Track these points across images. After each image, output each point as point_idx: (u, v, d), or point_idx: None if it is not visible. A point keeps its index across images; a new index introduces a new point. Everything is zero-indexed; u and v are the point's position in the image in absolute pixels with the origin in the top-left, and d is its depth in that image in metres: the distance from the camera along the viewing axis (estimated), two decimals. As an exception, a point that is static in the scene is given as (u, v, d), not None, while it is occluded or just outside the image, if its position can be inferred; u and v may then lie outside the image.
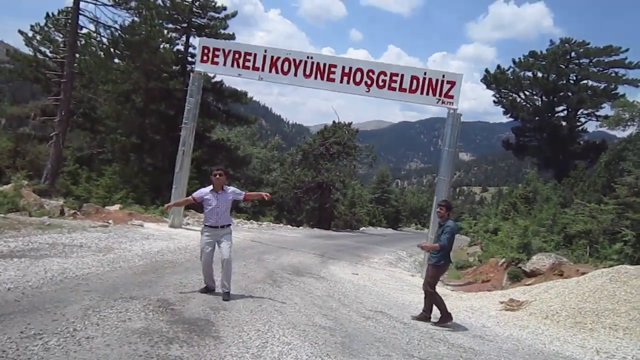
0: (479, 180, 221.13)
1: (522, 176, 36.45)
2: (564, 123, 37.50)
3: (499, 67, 38.59)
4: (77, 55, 24.26)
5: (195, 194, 7.22)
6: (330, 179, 36.05)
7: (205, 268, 6.98)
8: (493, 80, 38.40)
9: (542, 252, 14.47)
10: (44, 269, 6.76)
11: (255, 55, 15.38)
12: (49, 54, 27.31)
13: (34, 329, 4.43)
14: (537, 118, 37.91)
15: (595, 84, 36.89)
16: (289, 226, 29.92)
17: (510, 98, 38.67)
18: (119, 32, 23.67)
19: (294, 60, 15.21)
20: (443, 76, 14.76)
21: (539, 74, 37.18)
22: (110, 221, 14.32)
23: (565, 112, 37.72)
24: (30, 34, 26.70)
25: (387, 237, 37.77)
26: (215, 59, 15.62)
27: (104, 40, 24.10)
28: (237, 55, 15.51)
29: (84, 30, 23.77)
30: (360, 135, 41.15)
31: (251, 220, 26.83)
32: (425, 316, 7.64)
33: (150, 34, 23.45)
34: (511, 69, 38.17)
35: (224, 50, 15.68)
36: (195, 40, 28.54)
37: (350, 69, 15.07)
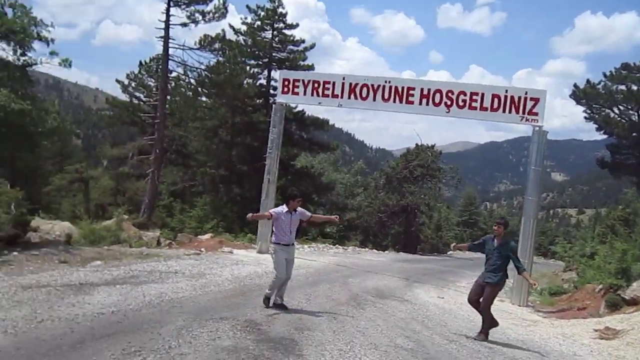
0: (574, 202, 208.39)
1: (621, 197, 33.98)
2: (663, 138, 34.77)
3: (588, 81, 36.55)
4: (168, 97, 26.10)
5: (272, 211, 7.77)
6: (414, 202, 35.66)
7: (283, 282, 7.53)
8: (583, 95, 36.40)
9: (644, 279, 13.36)
10: (142, 294, 7.26)
11: (333, 83, 15.73)
12: (143, 99, 29.54)
13: (134, 346, 4.80)
14: (634, 134, 35.36)
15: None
16: (374, 250, 29.79)
17: (603, 114, 36.34)
18: (205, 72, 25.20)
19: (372, 85, 15.38)
20: (526, 93, 14.29)
21: (634, 87, 34.82)
22: (202, 249, 15.05)
23: (665, 126, 34.98)
24: (126, 81, 29.10)
25: (475, 260, 36.42)
26: (296, 90, 16.14)
27: (192, 81, 25.77)
28: (316, 85, 15.95)
29: (174, 74, 25.56)
30: (445, 157, 40.53)
31: (337, 245, 27.02)
32: (484, 338, 7.55)
33: (233, 71, 24.77)
34: (602, 83, 36.09)
35: (303, 80, 16.19)
36: (276, 74, 29.61)
37: (429, 90, 14.98)
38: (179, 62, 24.84)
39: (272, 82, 30.23)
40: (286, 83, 16.19)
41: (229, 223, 23.26)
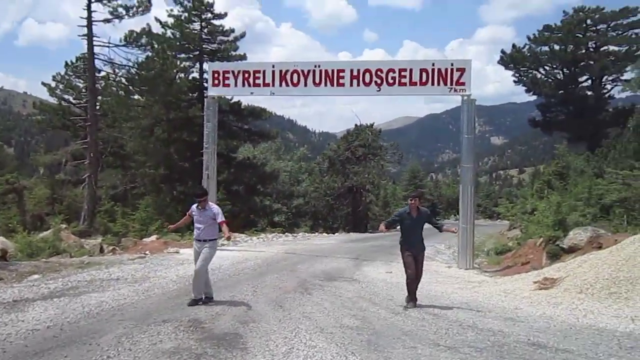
0: (514, 163, 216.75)
1: (554, 153, 35.60)
2: (589, 93, 36.55)
3: (514, 46, 37.96)
4: (100, 97, 25.19)
5: (189, 211, 7.88)
6: (359, 182, 36.12)
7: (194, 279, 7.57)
8: (510, 60, 37.75)
9: (579, 227, 14.15)
10: (81, 305, 7.08)
11: (264, 72, 15.68)
12: (73, 100, 28.33)
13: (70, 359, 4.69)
14: (560, 92, 36.99)
15: (616, 48, 35.78)
16: (324, 234, 30.07)
17: (531, 75, 37.91)
18: (135, 69, 24.45)
19: (302, 71, 15.44)
20: (452, 64, 14.79)
21: (556, 47, 36.36)
22: (147, 252, 14.77)
23: (590, 81, 36.76)
24: (53, 84, 27.84)
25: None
26: (227, 82, 15.99)
27: (122, 79, 24.95)
28: (246, 75, 15.85)
29: (102, 73, 24.67)
30: (387, 134, 41.16)
31: (286, 233, 27.09)
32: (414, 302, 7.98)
33: (163, 66, 24.12)
34: (527, 46, 37.52)
35: (233, 72, 16.05)
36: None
37: (359, 71, 15.21)
38: (106, 61, 24.01)
39: (205, 75, 29.69)
40: (216, 75, 16.00)
41: (174, 223, 22.81)
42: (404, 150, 45.75)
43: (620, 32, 35.66)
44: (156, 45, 24.63)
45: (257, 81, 15.69)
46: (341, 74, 15.26)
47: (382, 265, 13.99)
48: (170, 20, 28.77)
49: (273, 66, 15.75)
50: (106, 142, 27.36)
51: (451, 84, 14.62)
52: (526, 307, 7.92)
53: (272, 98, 14.71)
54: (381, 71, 15.05)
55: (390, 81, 14.99)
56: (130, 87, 25.53)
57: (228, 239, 8.12)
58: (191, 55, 29.84)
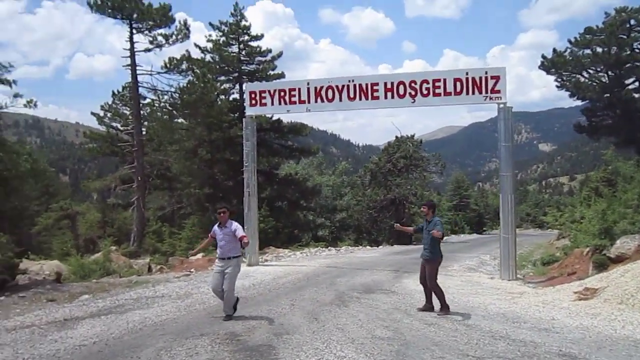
0: (564, 170, 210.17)
1: (602, 158, 34.36)
2: (636, 95, 35.21)
3: (554, 50, 37.08)
4: (146, 123, 26.27)
5: (211, 232, 8.09)
6: (402, 193, 35.93)
7: (215, 292, 7.77)
8: (551, 65, 36.84)
9: (626, 235, 13.65)
10: (126, 321, 7.43)
11: (299, 89, 15.95)
12: (120, 128, 29.62)
13: (112, 372, 4.97)
14: (606, 95, 35.82)
15: (661, 47, 34.58)
16: (368, 247, 30.01)
17: (574, 80, 36.86)
18: (177, 94, 25.38)
19: (337, 86, 15.61)
20: (486, 73, 14.62)
21: (599, 50, 35.31)
22: (192, 270, 15.19)
23: (637, 83, 35.43)
24: (101, 113, 29.21)
25: (470, 242, 36.81)
26: (263, 101, 16.35)
27: (165, 104, 25.94)
28: (282, 93, 16.17)
29: (147, 100, 25.75)
30: (431, 144, 40.95)
31: (329, 247, 27.20)
32: (429, 307, 8.35)
33: (204, 90, 24.95)
34: (568, 50, 36.59)
35: (269, 91, 16.41)
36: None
37: (392, 83, 15.26)
38: (149, 88, 25.06)
39: (245, 96, 30.46)
40: (253, 96, 16.40)
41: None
42: (449, 161, 45.25)
43: (666, 31, 34.37)
44: (196, 70, 25.55)
45: (292, 99, 15.97)
46: (375, 87, 15.36)
47: (423, 277, 13.88)
48: (209, 45, 29.77)
49: (308, 83, 16.02)
50: (153, 166, 28.38)
51: (486, 92, 14.45)
52: (563, 318, 7.75)
53: (314, 114, 15.12)
54: (415, 82, 15.05)
55: (425, 92, 14.97)
56: (174, 112, 26.53)
57: (246, 244, 8.05)
58: (231, 77, 30.68)
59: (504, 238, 14.05)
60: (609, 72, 36.10)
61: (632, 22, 34.94)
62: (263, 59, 30.75)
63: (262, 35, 30.92)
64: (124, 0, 23.82)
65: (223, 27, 30.10)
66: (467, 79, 14.64)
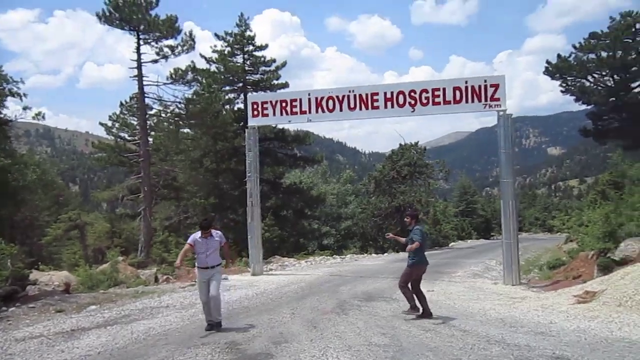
0: (574, 173, 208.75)
1: (608, 162, 34.38)
2: (642, 98, 35.21)
3: (559, 56, 37.23)
4: (153, 133, 26.61)
5: (189, 240, 8.16)
6: (406, 201, 36.02)
7: (204, 305, 7.82)
8: (556, 70, 37.02)
9: (631, 238, 13.71)
10: (130, 332, 7.66)
11: (300, 100, 16.23)
12: (128, 138, 29.95)
13: (116, 381, 5.21)
14: (612, 99, 35.91)
15: (668, 51, 34.57)
16: (373, 255, 30.14)
17: (579, 84, 36.98)
18: (183, 104, 25.71)
19: (337, 96, 15.86)
20: (485, 81, 14.83)
21: (604, 54, 35.41)
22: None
23: (643, 86, 35.47)
24: (109, 123, 29.55)
25: (477, 248, 36.84)
26: (265, 111, 16.62)
27: (171, 115, 26.28)
28: (284, 104, 16.43)
29: (153, 111, 26.09)
30: (438, 151, 41.26)
31: (334, 256, 27.37)
32: (413, 307, 8.54)
33: (209, 100, 25.28)
34: (573, 55, 36.73)
35: (271, 101, 16.68)
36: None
37: (392, 93, 15.48)
38: (155, 99, 25.39)
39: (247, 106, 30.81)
40: (255, 106, 16.67)
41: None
42: (456, 166, 45.34)
43: (671, 35, 34.39)
44: (202, 80, 25.89)
45: (294, 109, 16.23)
46: (375, 97, 15.58)
47: (425, 283, 13.85)
48: (215, 56, 30.17)
49: (309, 94, 16.28)
50: (159, 176, 28.68)
51: (485, 100, 14.64)
52: (561, 321, 7.89)
53: (320, 122, 15.37)
54: (414, 92, 15.26)
55: (424, 101, 15.16)
56: (180, 122, 26.85)
57: (232, 262, 8.22)
58: (235, 87, 31.11)
59: (506, 243, 14.20)
60: (615, 76, 36.18)
61: (638, 26, 35.02)
62: (267, 68, 31.17)
63: (267, 45, 31.34)
64: (131, 11, 24.20)
65: (228, 37, 30.58)
66: (466, 87, 14.84)
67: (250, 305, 10.09)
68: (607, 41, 35.49)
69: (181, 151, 27.66)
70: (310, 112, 16.02)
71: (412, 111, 15.32)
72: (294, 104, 16.21)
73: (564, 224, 37.67)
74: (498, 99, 14.57)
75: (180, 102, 25.72)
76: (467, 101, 14.83)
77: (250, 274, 16.23)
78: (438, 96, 15.10)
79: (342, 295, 11.47)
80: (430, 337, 7.03)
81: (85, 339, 7.23)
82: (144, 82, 24.88)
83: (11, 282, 11.55)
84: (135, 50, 24.75)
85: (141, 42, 24.83)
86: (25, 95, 13.86)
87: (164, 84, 25.03)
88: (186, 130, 28.66)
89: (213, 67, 29.97)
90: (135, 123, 29.63)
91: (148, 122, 25.91)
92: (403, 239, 9.07)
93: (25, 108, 13.93)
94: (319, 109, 15.92)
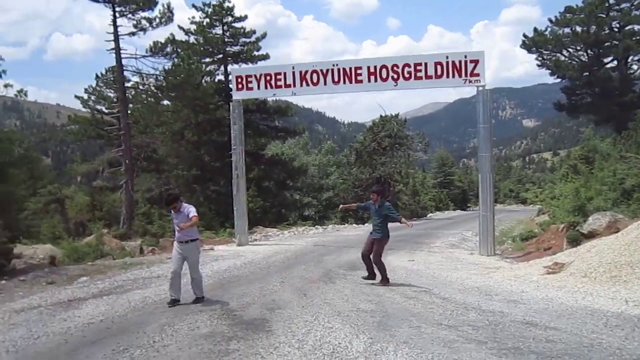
0: (548, 146, 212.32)
1: (580, 136, 35.27)
2: (614, 74, 35.99)
3: (535, 29, 37.69)
4: (131, 105, 26.35)
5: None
6: (387, 172, 36.59)
7: (172, 277, 7.81)
8: (533, 43, 37.52)
9: (599, 212, 14.32)
10: (127, 301, 7.94)
11: (284, 73, 16.35)
12: (105, 110, 29.58)
13: (122, 346, 5.52)
14: (585, 74, 36.61)
15: (640, 27, 35.22)
16: (354, 225, 30.69)
17: (554, 58, 37.55)
18: (162, 76, 25.47)
19: (321, 70, 16.04)
20: (465, 56, 15.12)
21: (579, 29, 35.95)
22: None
23: (615, 62, 36.21)
24: (85, 96, 29.12)
25: (454, 219, 37.73)
26: (250, 85, 16.72)
27: (151, 87, 26.04)
28: (268, 77, 16.55)
29: (131, 83, 25.80)
30: (417, 121, 41.64)
31: (316, 226, 27.83)
32: (371, 276, 9.52)
33: (189, 72, 25.04)
34: (549, 29, 37.22)
35: (255, 75, 16.77)
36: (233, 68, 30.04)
37: (375, 67, 15.72)
38: (134, 71, 25.10)
39: (230, 77, 30.64)
40: (239, 80, 16.75)
41: (208, 221, 23.86)
42: (434, 137, 45.98)
43: (644, 11, 34.96)
44: (181, 52, 25.62)
45: (278, 83, 16.36)
46: (359, 71, 15.80)
47: (405, 254, 14.56)
48: (193, 27, 29.81)
49: (293, 67, 16.40)
50: (139, 148, 28.52)
51: (466, 76, 14.97)
52: (532, 290, 8.39)
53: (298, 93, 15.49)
54: (397, 66, 15.52)
55: (407, 75, 15.45)
56: (159, 94, 26.61)
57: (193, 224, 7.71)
58: (215, 59, 30.84)
59: (483, 216, 14.74)
60: (588, 51, 36.83)
61: (611, 1, 35.52)
62: (247, 40, 30.94)
63: (246, 17, 31.07)
64: (106, -17, 23.72)
65: (206, 8, 30.15)
66: (447, 62, 15.15)
67: (240, 274, 10.43)
68: (582, 16, 35.96)
69: (161, 123, 27.53)
70: (294, 85, 16.18)
71: (395, 85, 15.61)
72: (278, 77, 16.33)
73: (537, 196, 38.69)
74: (478, 75, 14.92)
75: (159, 74, 25.49)
76: (447, 76, 15.16)
77: (236, 245, 16.56)
78: (420, 71, 15.39)
79: (327, 265, 11.90)
80: (412, 303, 7.47)
81: (84, 308, 7.48)
82: (122, 55, 24.54)
83: (-4, 257, 11.62)
84: (112, 23, 24.32)
85: (117, 14, 24.37)
86: (4, 72, 13.56)
87: (143, 56, 24.71)
88: (166, 102, 28.44)
89: (192, 39, 29.66)
90: (112, 95, 29.30)
91: (126, 94, 25.64)
92: (354, 205, 10.59)
93: (6, 86, 13.67)
94: (303, 83, 16.08)
